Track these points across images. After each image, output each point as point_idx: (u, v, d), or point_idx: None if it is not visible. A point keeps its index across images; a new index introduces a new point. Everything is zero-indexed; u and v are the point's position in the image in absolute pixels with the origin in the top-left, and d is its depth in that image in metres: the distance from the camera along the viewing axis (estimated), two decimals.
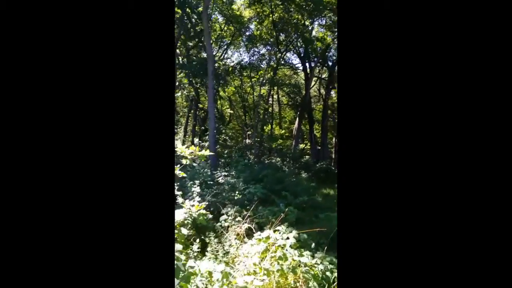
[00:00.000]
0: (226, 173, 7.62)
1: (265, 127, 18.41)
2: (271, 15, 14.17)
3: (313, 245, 4.09)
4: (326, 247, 3.92)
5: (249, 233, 4.19)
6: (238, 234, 4.21)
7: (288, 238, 3.60)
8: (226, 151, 12.93)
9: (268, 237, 3.67)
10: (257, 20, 15.09)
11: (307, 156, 15.58)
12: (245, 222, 4.38)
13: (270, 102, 19.32)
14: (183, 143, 14.77)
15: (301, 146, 21.52)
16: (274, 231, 3.74)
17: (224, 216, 4.76)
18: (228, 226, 4.51)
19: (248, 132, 15.60)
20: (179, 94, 15.42)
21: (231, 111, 19.95)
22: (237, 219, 4.54)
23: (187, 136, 16.27)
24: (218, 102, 18.89)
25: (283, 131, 21.30)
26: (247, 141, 14.89)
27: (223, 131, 17.60)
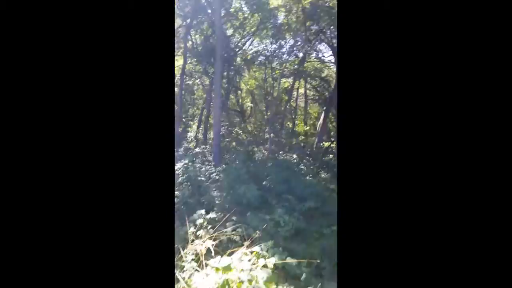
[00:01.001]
0: (220, 169, 6.30)
1: (286, 123, 16.96)
2: (301, 1, 12.64)
3: (303, 276, 2.69)
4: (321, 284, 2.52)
5: (221, 250, 2.93)
6: (196, 254, 2.91)
7: (264, 266, 2.27)
8: (239, 147, 11.66)
9: (228, 267, 2.32)
10: (285, 7, 13.56)
11: (331, 155, 13.87)
12: (212, 237, 3.07)
13: (295, 95, 17.75)
14: (195, 137, 13.73)
15: (326, 144, 19.74)
16: (249, 252, 2.43)
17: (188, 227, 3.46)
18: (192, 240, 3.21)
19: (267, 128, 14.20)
20: (191, 82, 14.33)
21: (251, 105, 18.66)
22: (202, 231, 3.22)
23: (200, 129, 15.21)
24: (238, 93, 17.68)
25: (307, 128, 19.61)
26: (266, 136, 13.54)
27: (241, 125, 16.45)
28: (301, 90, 18.96)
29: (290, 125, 17.15)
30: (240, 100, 19.10)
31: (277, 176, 6.39)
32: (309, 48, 14.23)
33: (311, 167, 11.37)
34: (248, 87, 18.79)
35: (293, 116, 17.56)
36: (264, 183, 5.96)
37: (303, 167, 10.54)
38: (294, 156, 10.68)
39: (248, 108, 19.98)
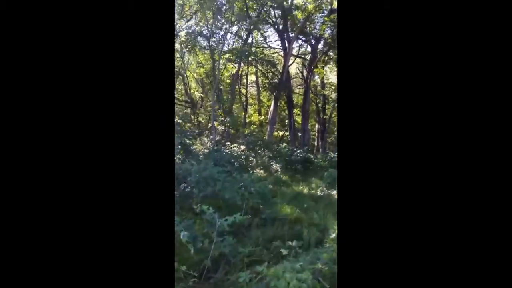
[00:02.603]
0: None
1: (236, 112, 15.66)
2: None
3: None
4: None
5: None
6: None
7: None
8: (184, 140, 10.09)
9: None
10: None
11: (284, 144, 12.90)
12: None
13: (245, 83, 16.45)
14: None
15: (280, 133, 18.87)
16: None
17: None
18: None
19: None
20: None
21: (202, 95, 17.10)
22: None
23: None
24: (184, 82, 15.98)
25: (262, 117, 18.53)
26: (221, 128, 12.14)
27: (192, 117, 14.91)
28: (252, 78, 17.74)
29: (239, 115, 15.89)
30: (189, 90, 17.38)
31: (201, 172, 4.59)
32: (254, 32, 13.00)
33: (264, 158, 10.27)
34: (195, 75, 17.11)
35: (244, 105, 16.29)
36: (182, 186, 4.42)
37: (252, 158, 9.37)
38: (242, 147, 9.46)
39: (199, 98, 18.32)
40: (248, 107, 20.67)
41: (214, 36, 11.66)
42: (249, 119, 19.24)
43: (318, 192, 6.97)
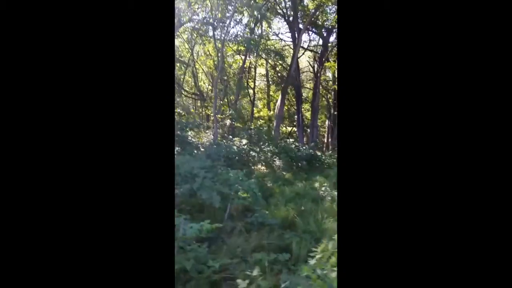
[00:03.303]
0: None
1: (243, 105, 15.02)
2: None
3: None
4: None
5: None
6: None
7: None
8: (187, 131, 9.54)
9: None
10: None
11: (291, 140, 12.19)
12: None
13: (252, 76, 15.73)
14: None
15: (288, 128, 18.12)
16: None
17: None
18: None
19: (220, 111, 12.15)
20: None
21: (211, 87, 16.48)
22: None
23: None
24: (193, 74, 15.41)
25: (272, 113, 17.80)
26: (226, 122, 11.48)
27: (200, 110, 14.35)
28: (261, 71, 17.01)
29: (247, 108, 15.23)
30: (198, 82, 16.80)
31: (187, 167, 3.94)
32: (263, 23, 12.25)
33: (268, 153, 9.62)
34: (205, 67, 16.52)
35: (252, 99, 15.61)
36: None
37: (253, 153, 8.74)
38: (244, 141, 8.83)
39: (208, 91, 17.74)
40: (258, 101, 20.01)
41: (222, 25, 10.98)
42: (258, 114, 18.58)
43: (321, 192, 6.28)
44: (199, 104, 17.15)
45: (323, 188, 6.59)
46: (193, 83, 16.95)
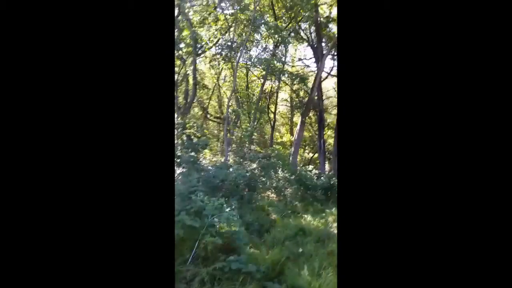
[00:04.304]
0: None
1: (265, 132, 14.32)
2: None
3: None
4: None
5: None
6: None
7: None
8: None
9: None
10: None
11: (310, 166, 11.17)
12: None
13: (272, 100, 15.13)
14: None
15: (308, 155, 17.04)
16: None
17: None
18: None
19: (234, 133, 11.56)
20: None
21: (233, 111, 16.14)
22: None
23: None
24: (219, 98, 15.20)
25: (294, 138, 16.95)
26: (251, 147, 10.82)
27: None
28: (283, 95, 16.44)
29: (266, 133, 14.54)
30: (222, 105, 16.57)
31: None
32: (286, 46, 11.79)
33: (280, 181, 8.70)
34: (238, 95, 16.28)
35: (272, 124, 14.95)
36: None
37: (264, 179, 7.88)
38: (254, 165, 8.03)
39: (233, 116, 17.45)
40: (281, 127, 19.29)
41: (240, 48, 10.68)
42: (280, 139, 17.79)
43: (332, 229, 5.22)
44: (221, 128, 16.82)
45: (335, 224, 5.53)
46: (217, 107, 16.81)
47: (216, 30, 10.37)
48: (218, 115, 16.95)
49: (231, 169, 6.80)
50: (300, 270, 3.16)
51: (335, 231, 5.19)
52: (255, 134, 15.00)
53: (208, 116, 16.62)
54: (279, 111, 17.21)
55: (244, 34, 11.04)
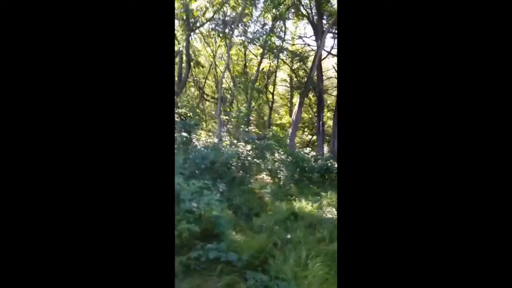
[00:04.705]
0: None
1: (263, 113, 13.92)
2: None
3: None
4: None
5: None
6: None
7: None
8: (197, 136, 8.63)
9: None
10: None
11: (308, 149, 10.85)
12: None
13: (271, 80, 14.59)
14: None
15: (307, 138, 16.67)
16: None
17: None
18: None
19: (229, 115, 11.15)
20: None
21: (231, 91, 15.63)
22: None
23: None
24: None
25: (291, 120, 16.51)
26: (249, 127, 10.42)
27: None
28: (282, 75, 15.87)
29: (262, 114, 14.12)
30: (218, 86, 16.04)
31: None
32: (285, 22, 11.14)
33: (276, 163, 8.40)
34: (230, 73, 15.69)
35: (270, 105, 14.49)
36: None
37: (258, 161, 7.57)
38: (249, 147, 7.70)
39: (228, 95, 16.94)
40: (281, 108, 18.82)
41: (241, 25, 10.07)
42: (279, 121, 17.38)
43: (325, 214, 4.95)
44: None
45: (329, 208, 5.27)
46: (214, 87, 16.30)
47: (208, 1, 9.70)
48: (215, 96, 16.46)
49: (222, 151, 6.46)
50: (286, 259, 2.89)
51: (328, 216, 4.93)
52: (253, 114, 14.59)
53: (205, 96, 16.14)
54: (277, 92, 16.66)
55: (240, 6, 10.37)
